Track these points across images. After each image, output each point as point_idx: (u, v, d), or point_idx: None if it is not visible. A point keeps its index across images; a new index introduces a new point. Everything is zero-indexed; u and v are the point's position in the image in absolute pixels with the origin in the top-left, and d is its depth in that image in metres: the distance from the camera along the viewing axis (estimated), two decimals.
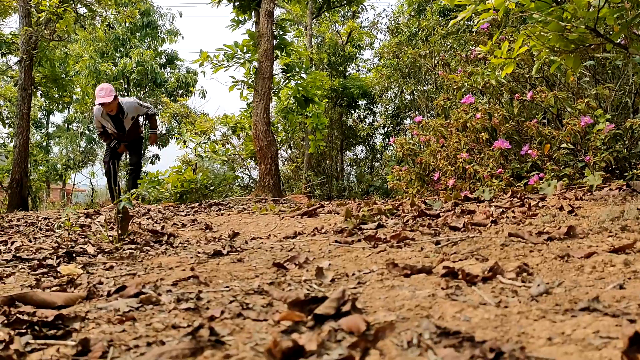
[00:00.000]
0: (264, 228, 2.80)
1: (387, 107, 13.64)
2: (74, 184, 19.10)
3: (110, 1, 9.71)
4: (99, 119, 6.23)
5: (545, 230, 1.68)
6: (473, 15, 2.55)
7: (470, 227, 1.96)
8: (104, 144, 6.71)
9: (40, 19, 8.23)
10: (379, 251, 1.71)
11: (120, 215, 2.48)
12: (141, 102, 6.62)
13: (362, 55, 15.90)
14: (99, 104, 5.99)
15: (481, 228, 1.92)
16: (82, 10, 9.69)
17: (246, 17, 6.88)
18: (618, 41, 2.50)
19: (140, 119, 6.77)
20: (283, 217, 3.07)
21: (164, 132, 19.01)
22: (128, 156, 7.00)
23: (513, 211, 2.24)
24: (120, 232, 2.42)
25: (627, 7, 2.90)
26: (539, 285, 1.12)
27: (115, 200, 5.10)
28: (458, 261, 1.45)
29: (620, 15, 2.52)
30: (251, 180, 10.62)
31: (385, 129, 13.75)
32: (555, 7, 2.22)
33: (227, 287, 1.37)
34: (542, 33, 2.27)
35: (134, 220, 3.15)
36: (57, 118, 23.22)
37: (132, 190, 5.18)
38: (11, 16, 10.21)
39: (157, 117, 6.87)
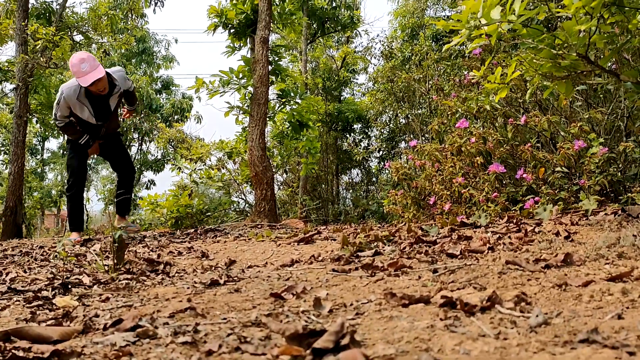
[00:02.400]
0: (261, 255, 2.79)
1: (382, 130, 13.71)
2: None
3: (106, 28, 9.79)
4: (72, 103, 4.35)
5: (542, 258, 1.68)
6: (465, 40, 2.58)
7: (467, 254, 1.96)
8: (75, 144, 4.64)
9: (37, 47, 8.29)
10: (377, 280, 1.71)
11: (116, 244, 2.47)
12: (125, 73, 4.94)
13: (357, 79, 16.01)
14: (87, 84, 4.14)
15: (478, 255, 1.91)
16: (78, 37, 9.78)
17: (241, 44, 6.95)
18: (608, 65, 2.54)
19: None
20: (280, 244, 3.06)
21: (159, 157, 19.03)
22: (107, 159, 5.15)
23: (509, 237, 2.24)
24: (116, 261, 2.41)
25: (617, 31, 2.96)
26: (537, 315, 1.11)
27: (79, 229, 4.44)
28: (456, 290, 1.45)
29: (611, 40, 2.57)
30: (247, 205, 10.60)
31: (381, 152, 13.80)
32: (547, 34, 2.25)
33: (224, 318, 1.36)
34: (534, 60, 2.30)
35: (129, 249, 3.14)
36: (52, 144, 23.21)
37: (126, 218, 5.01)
38: (7, 44, 10.28)
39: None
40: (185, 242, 3.83)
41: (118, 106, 4.77)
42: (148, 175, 20.07)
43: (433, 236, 2.53)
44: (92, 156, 5.06)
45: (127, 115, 5.15)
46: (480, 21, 2.06)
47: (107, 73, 4.39)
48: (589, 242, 1.87)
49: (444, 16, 13.48)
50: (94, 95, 4.40)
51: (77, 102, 4.37)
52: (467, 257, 1.93)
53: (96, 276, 2.21)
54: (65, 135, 4.79)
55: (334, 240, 3.00)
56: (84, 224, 4.54)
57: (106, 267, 2.39)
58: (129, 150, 5.03)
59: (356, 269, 1.94)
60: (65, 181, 5.08)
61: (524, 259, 1.67)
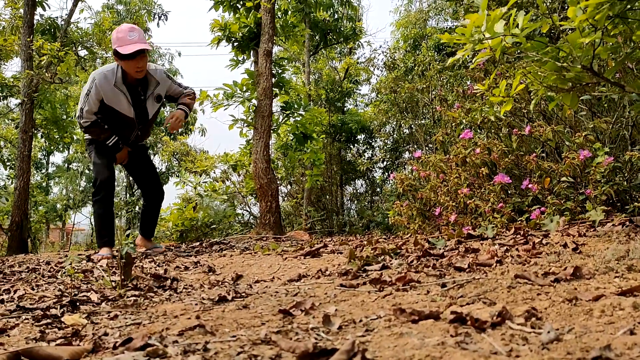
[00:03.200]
0: (268, 270, 2.79)
1: (386, 141, 13.73)
2: (73, 224, 19.05)
3: (110, 43, 9.86)
4: (106, 92, 3.73)
5: (551, 271, 1.68)
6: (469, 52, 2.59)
7: (476, 267, 1.96)
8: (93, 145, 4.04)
9: (42, 63, 8.35)
10: (385, 295, 1.71)
11: (123, 260, 2.47)
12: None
13: (360, 90, 16.07)
14: (125, 55, 3.61)
15: (486, 268, 1.91)
16: (83, 52, 9.85)
17: (245, 57, 7.00)
18: (612, 76, 2.54)
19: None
20: (286, 258, 3.06)
21: (163, 170, 19.06)
22: (132, 175, 4.48)
23: (517, 249, 2.24)
24: (123, 277, 2.41)
25: (620, 41, 2.96)
26: (549, 331, 1.11)
27: (114, 243, 3.90)
28: (465, 305, 1.45)
29: (614, 50, 2.57)
30: (252, 217, 10.61)
31: (385, 163, 13.81)
32: (551, 47, 2.26)
33: (233, 336, 1.36)
34: (539, 72, 2.30)
35: (136, 264, 3.14)
36: (57, 158, 23.34)
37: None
38: (12, 60, 10.37)
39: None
40: (191, 256, 3.83)
41: (156, 114, 4.15)
42: None
43: (440, 249, 2.53)
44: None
45: (175, 122, 4.02)
46: (484, 35, 2.07)
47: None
48: (597, 254, 1.87)
49: (446, 27, 13.55)
50: (131, 85, 3.85)
51: (113, 89, 3.76)
52: (476, 270, 1.92)
53: (104, 293, 2.21)
54: (88, 136, 4.07)
55: (341, 253, 2.99)
56: (115, 237, 3.97)
57: (113, 284, 2.39)
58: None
59: (364, 283, 1.93)
60: (92, 185, 4.34)
61: (532, 272, 1.67)
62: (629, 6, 1.99)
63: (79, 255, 3.94)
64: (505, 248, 2.28)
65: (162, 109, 4.32)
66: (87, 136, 4.09)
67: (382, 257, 2.44)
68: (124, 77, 3.82)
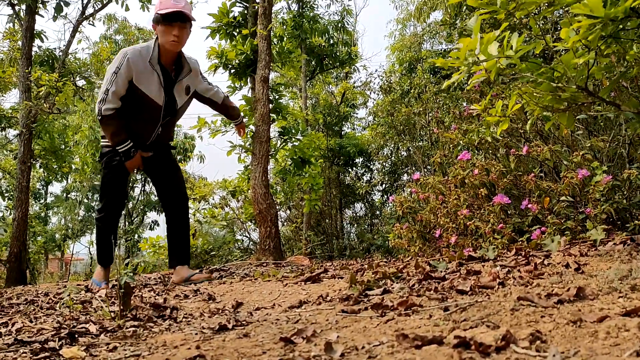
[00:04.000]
0: (268, 297, 2.76)
1: (384, 164, 13.76)
2: (72, 254, 18.96)
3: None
4: (138, 69, 3.36)
5: (554, 292, 1.66)
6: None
7: (478, 289, 1.94)
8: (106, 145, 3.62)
9: (40, 93, 8.40)
10: (387, 320, 1.69)
11: (122, 290, 2.45)
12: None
13: (357, 114, 16.16)
14: (163, 17, 3.31)
15: (489, 291, 1.89)
16: (81, 82, 9.93)
17: (242, 84, 7.04)
18: (607, 95, 2.55)
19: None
20: (286, 284, 3.03)
21: None
22: (153, 180, 3.87)
23: (519, 270, 2.22)
24: (122, 307, 2.39)
25: (614, 60, 2.99)
26: (554, 355, 1.09)
27: (108, 265, 3.70)
28: (469, 329, 1.43)
29: (608, 69, 2.59)
30: (251, 243, 10.57)
31: (383, 185, 13.81)
32: (546, 68, 2.28)
33: None
34: (534, 93, 2.32)
35: (135, 294, 3.11)
36: (56, 188, 23.32)
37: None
38: (11, 91, 10.43)
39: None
40: (191, 285, 3.80)
41: (184, 109, 3.73)
42: (152, 216, 20.06)
43: (442, 271, 2.51)
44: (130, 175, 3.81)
45: (241, 131, 4.27)
46: (478, 57, 2.08)
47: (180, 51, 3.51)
48: (600, 274, 1.85)
49: (441, 49, 13.68)
50: (165, 70, 3.46)
51: (146, 67, 3.37)
52: (478, 293, 1.90)
53: (103, 324, 2.19)
54: (105, 142, 3.66)
55: (341, 278, 2.97)
56: (111, 260, 3.75)
57: (112, 314, 2.36)
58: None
59: (365, 308, 1.91)
60: (98, 200, 3.94)
61: (535, 294, 1.65)
62: (621, 26, 2.01)
63: (78, 286, 3.91)
64: (507, 269, 2.27)
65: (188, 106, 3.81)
66: (103, 142, 3.67)
67: (384, 281, 2.42)
68: (159, 56, 3.44)
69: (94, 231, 3.76)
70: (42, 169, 9.88)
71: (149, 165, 3.72)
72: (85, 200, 20.58)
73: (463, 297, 1.89)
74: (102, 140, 3.73)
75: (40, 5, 8.89)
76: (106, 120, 3.41)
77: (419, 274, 2.50)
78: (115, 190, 3.64)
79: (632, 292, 1.53)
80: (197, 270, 4.03)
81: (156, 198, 20.54)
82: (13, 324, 2.27)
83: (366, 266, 3.29)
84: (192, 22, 3.48)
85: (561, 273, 2.00)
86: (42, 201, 21.50)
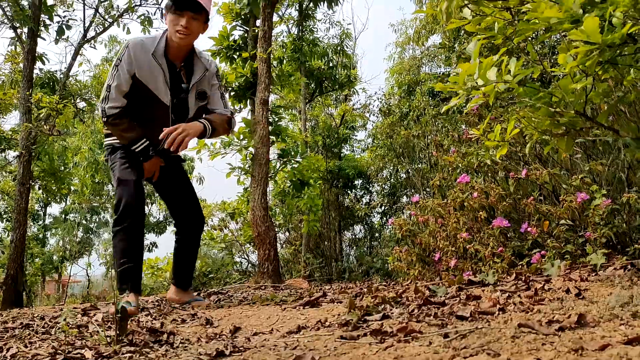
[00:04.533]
0: (266, 321, 2.74)
1: (383, 186, 13.76)
2: (69, 276, 18.84)
3: None
4: (141, 62, 2.94)
5: (555, 319, 1.64)
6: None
7: (478, 315, 1.92)
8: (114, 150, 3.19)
9: (41, 115, 8.44)
10: (387, 347, 1.66)
11: (119, 314, 2.42)
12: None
13: (356, 136, 16.21)
14: (173, 3, 2.91)
15: (489, 317, 1.87)
16: (82, 104, 9.98)
17: (242, 106, 7.09)
18: (605, 120, 2.56)
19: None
20: (285, 308, 3.01)
21: (161, 219, 19.00)
22: (163, 197, 3.50)
23: (519, 295, 2.20)
24: (118, 332, 2.36)
25: (612, 84, 3.00)
26: None
27: (140, 289, 3.28)
28: (469, 357, 1.41)
29: (606, 94, 2.61)
30: (250, 265, 10.51)
31: (382, 207, 13.80)
32: (544, 92, 2.29)
33: None
34: (532, 117, 2.33)
35: (132, 318, 3.08)
36: (54, 209, 23.25)
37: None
38: (11, 113, 10.48)
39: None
40: (188, 307, 3.76)
41: (198, 113, 3.18)
42: (150, 237, 20.00)
43: (441, 296, 2.49)
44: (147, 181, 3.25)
45: (179, 135, 2.90)
46: (477, 82, 2.09)
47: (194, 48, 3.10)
48: (601, 300, 1.84)
49: (440, 72, 13.79)
50: (172, 65, 3.04)
51: (150, 60, 2.94)
52: (478, 319, 1.88)
53: (98, 349, 2.16)
54: (110, 140, 3.21)
55: (340, 302, 2.95)
56: (141, 280, 3.17)
57: (108, 339, 2.33)
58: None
59: (365, 334, 1.89)
60: (113, 211, 3.14)
61: (536, 320, 1.63)
62: (618, 52, 2.02)
63: (74, 309, 3.87)
64: (507, 295, 2.25)
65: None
66: (107, 141, 3.23)
67: (383, 306, 2.40)
68: (165, 49, 3.02)
69: (115, 250, 3.10)
70: (41, 191, 9.88)
71: (160, 178, 3.29)
72: (84, 222, 20.53)
73: (463, 323, 1.87)
74: (105, 139, 3.29)
75: (42, 29, 8.98)
76: (112, 120, 3.00)
77: (419, 298, 2.48)
78: (133, 187, 3.02)
79: (634, 320, 1.52)
80: (196, 293, 3.92)
81: (154, 220, 20.52)
82: (8, 349, 2.25)
83: (365, 290, 3.26)
84: (208, 13, 3.01)
85: (562, 299, 1.98)
86: (40, 222, 21.43)
